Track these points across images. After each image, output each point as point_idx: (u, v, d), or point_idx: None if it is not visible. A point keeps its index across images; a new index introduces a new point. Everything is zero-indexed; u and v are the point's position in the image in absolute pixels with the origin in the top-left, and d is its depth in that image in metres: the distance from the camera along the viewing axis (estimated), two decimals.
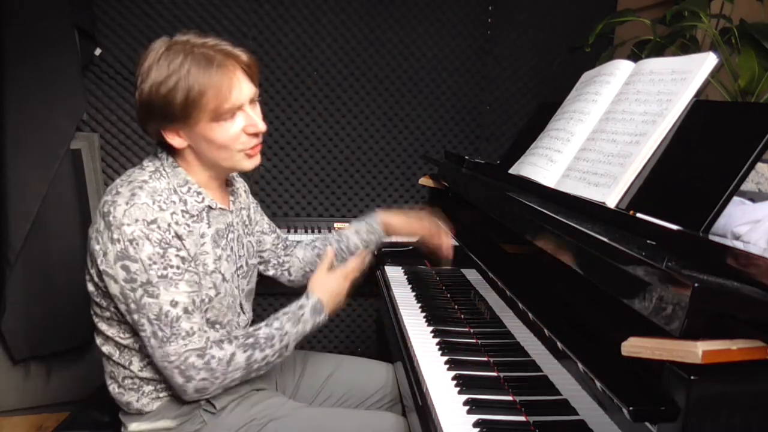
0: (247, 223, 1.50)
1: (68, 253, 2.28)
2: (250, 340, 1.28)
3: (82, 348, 2.31)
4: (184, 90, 1.16)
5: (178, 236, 1.22)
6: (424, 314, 1.60)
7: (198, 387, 1.24)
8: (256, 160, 1.30)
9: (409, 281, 1.90)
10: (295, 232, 2.57)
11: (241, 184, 1.53)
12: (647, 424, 0.70)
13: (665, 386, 0.69)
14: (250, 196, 1.57)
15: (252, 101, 1.26)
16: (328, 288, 1.42)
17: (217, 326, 1.33)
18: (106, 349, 1.34)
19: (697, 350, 0.64)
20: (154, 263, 1.18)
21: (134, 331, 1.27)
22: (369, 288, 2.03)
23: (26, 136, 2.16)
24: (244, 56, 1.24)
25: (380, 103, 2.74)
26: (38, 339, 2.23)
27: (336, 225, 2.67)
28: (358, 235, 1.66)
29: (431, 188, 2.06)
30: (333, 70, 2.68)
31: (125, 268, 1.18)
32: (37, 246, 2.19)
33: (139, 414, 1.33)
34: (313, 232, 2.57)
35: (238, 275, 1.41)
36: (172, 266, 1.20)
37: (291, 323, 1.33)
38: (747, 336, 0.67)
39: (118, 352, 1.32)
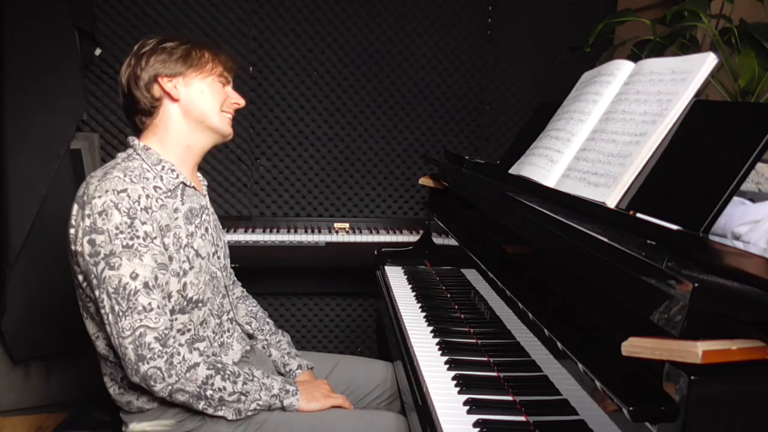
0: (219, 224, 1.53)
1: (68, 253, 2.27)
2: (219, 364, 1.28)
3: (82, 348, 2.30)
4: (196, 51, 1.39)
5: (146, 209, 1.24)
6: (424, 314, 1.60)
7: (149, 373, 1.19)
8: (231, 130, 1.45)
9: (409, 281, 1.91)
10: (296, 232, 2.57)
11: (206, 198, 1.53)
12: (647, 424, 0.70)
13: (665, 386, 0.69)
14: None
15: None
16: (313, 392, 1.41)
17: (200, 304, 1.34)
18: (101, 350, 1.34)
19: (697, 350, 0.64)
20: (121, 233, 1.20)
21: None
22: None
23: (26, 136, 2.16)
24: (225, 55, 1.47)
25: (380, 103, 2.74)
26: (38, 339, 2.23)
27: (336, 225, 2.67)
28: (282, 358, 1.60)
29: (431, 188, 2.06)
30: (333, 69, 2.68)
31: (91, 242, 1.20)
32: (37, 246, 2.19)
33: (141, 412, 1.33)
34: (313, 232, 2.57)
35: (218, 257, 1.43)
36: (138, 237, 1.21)
37: (258, 388, 1.31)
38: (747, 336, 0.67)
39: (113, 352, 1.31)
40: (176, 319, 1.30)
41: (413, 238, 2.50)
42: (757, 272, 0.66)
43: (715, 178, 0.89)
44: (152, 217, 1.25)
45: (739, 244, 0.88)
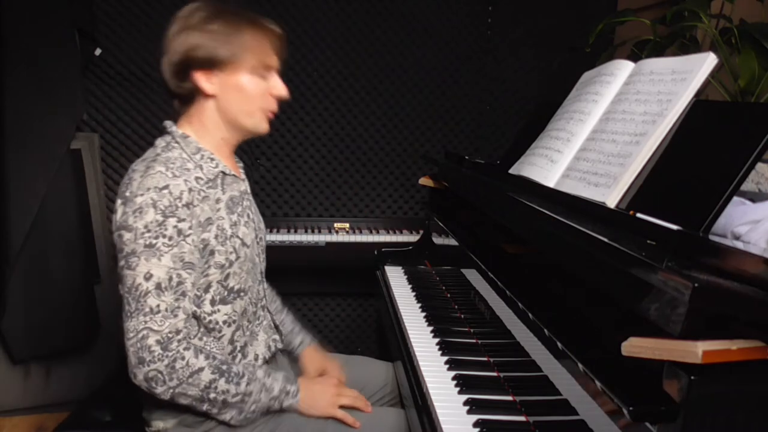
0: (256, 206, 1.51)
1: (68, 253, 2.28)
2: (224, 366, 1.24)
3: (82, 348, 2.31)
4: (238, 37, 1.27)
5: (188, 204, 1.21)
6: (424, 314, 1.60)
7: (150, 375, 1.17)
8: (268, 126, 1.37)
9: (409, 281, 1.91)
10: (295, 232, 2.57)
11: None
12: (647, 424, 0.70)
13: (665, 386, 0.69)
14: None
15: (278, 71, 1.38)
16: (317, 397, 1.38)
17: (242, 294, 1.33)
18: None
19: (697, 350, 0.64)
20: (148, 231, 1.18)
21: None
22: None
23: (26, 136, 2.16)
24: (278, 30, 1.37)
25: (380, 103, 2.73)
26: (38, 339, 2.23)
27: (336, 225, 2.67)
28: (293, 335, 1.61)
29: (431, 188, 2.06)
30: (333, 70, 2.68)
31: (120, 236, 1.20)
32: (37, 246, 2.19)
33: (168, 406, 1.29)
34: (313, 232, 2.57)
35: (258, 242, 1.42)
36: (164, 236, 1.19)
37: (259, 390, 1.28)
38: (747, 336, 0.67)
39: None
40: (219, 310, 1.29)
41: (413, 238, 2.50)
42: (757, 272, 0.66)
43: (715, 178, 0.89)
44: (192, 213, 1.22)
45: (739, 244, 0.88)
